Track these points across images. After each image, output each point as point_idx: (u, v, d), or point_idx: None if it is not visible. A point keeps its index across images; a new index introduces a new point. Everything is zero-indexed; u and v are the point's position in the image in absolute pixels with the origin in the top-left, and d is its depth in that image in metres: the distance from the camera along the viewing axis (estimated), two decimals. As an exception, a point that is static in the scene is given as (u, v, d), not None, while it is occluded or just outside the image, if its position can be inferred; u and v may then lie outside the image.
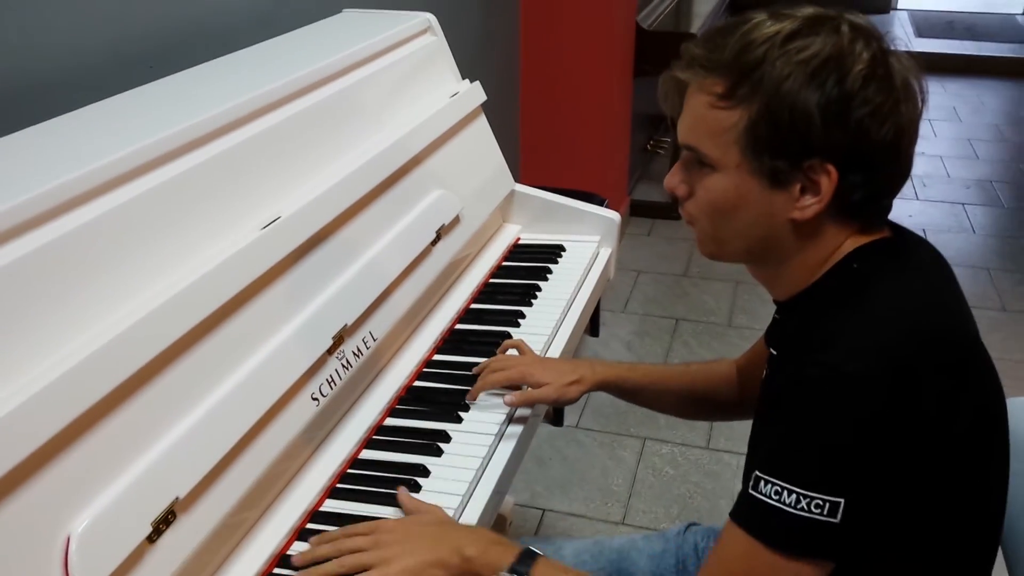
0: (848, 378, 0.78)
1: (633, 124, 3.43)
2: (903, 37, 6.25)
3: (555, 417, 2.44)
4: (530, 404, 1.20)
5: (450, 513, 1.01)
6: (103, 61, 1.25)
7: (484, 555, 0.91)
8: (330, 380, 1.11)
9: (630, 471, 2.29)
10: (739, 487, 0.86)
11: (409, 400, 1.23)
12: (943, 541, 0.87)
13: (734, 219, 0.88)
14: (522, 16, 2.98)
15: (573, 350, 1.47)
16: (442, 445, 1.12)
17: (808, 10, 0.85)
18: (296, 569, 0.94)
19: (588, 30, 2.98)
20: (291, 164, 1.19)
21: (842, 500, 0.77)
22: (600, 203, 1.86)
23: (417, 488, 1.05)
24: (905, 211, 3.66)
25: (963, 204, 3.76)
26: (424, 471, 1.08)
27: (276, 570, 0.96)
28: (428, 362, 1.31)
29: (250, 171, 1.12)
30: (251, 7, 1.56)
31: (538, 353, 1.32)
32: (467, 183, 1.54)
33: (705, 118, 0.86)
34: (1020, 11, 6.81)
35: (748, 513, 0.82)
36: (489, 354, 1.31)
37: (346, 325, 1.15)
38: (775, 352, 0.97)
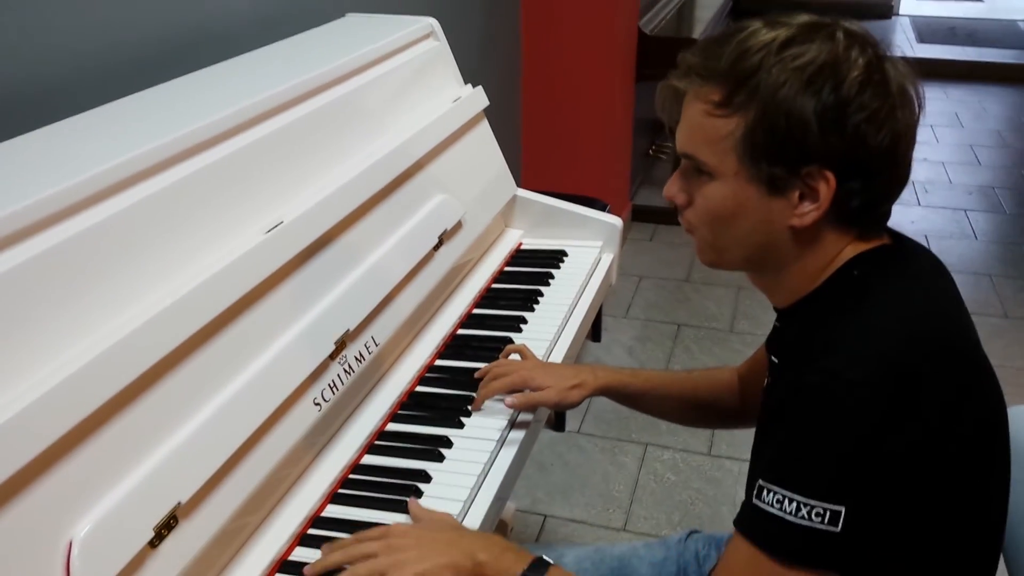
0: (849, 385, 0.78)
1: (635, 129, 3.44)
2: (905, 43, 6.26)
3: (557, 422, 2.44)
4: (531, 407, 1.20)
5: (449, 514, 1.01)
6: (106, 65, 1.26)
7: (496, 561, 0.90)
8: (332, 385, 1.11)
9: (632, 477, 2.29)
10: (741, 494, 0.86)
11: (411, 405, 1.23)
12: (944, 550, 0.87)
13: (733, 227, 0.88)
14: (524, 21, 2.98)
15: (575, 355, 1.47)
16: (444, 451, 1.12)
17: (804, 18, 0.85)
18: None
19: (590, 35, 2.99)
20: (294, 168, 1.20)
21: (843, 508, 0.77)
22: (602, 208, 1.86)
23: (419, 494, 1.05)
24: (907, 217, 3.66)
25: (965, 210, 3.76)
26: (426, 477, 1.08)
27: (278, 575, 0.96)
28: (430, 367, 1.31)
29: (253, 175, 1.12)
30: (254, 11, 1.56)
31: (540, 359, 1.31)
32: (469, 188, 1.54)
33: (702, 126, 0.86)
34: (1022, 17, 6.81)
35: (751, 522, 0.82)
36: (491, 359, 1.31)
37: (348, 330, 1.15)
38: (776, 360, 0.97)
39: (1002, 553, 0.97)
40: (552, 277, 1.55)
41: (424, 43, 1.58)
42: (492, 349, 1.34)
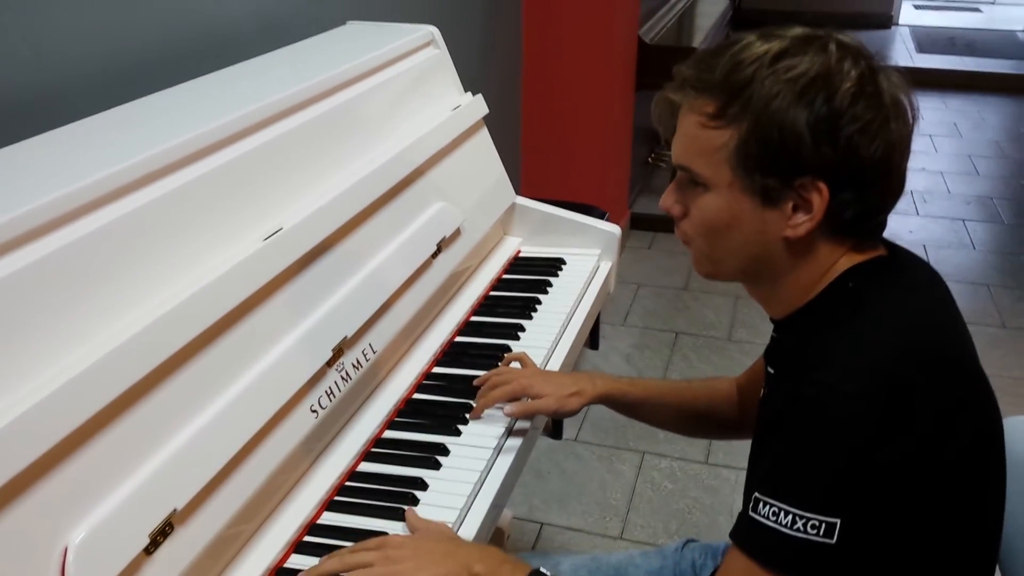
0: (843, 397, 0.78)
1: (634, 137, 3.44)
2: (904, 53, 6.28)
3: (554, 430, 2.44)
4: (530, 415, 1.20)
5: (446, 524, 1.01)
6: (108, 71, 1.26)
7: (493, 573, 0.90)
8: (329, 392, 1.11)
9: (629, 485, 2.28)
10: (738, 502, 0.86)
11: (408, 413, 1.23)
12: (940, 561, 0.87)
13: (728, 238, 0.89)
14: (524, 29, 2.99)
15: (573, 363, 1.47)
16: (440, 458, 1.12)
17: (797, 30, 0.86)
18: None
19: (590, 43, 2.99)
20: (294, 175, 1.20)
21: (838, 520, 0.78)
22: (601, 216, 1.87)
23: (415, 502, 1.05)
24: (905, 227, 3.66)
25: (963, 220, 3.77)
26: (422, 484, 1.08)
27: (273, 582, 0.96)
28: (428, 374, 1.31)
29: (253, 182, 1.12)
30: (255, 19, 1.56)
31: (538, 366, 1.32)
32: (468, 196, 1.54)
33: (697, 138, 0.87)
34: (1021, 28, 6.84)
35: (747, 534, 0.83)
36: (489, 367, 1.31)
37: (346, 337, 1.15)
38: (772, 371, 0.98)
39: (998, 564, 0.97)
40: (550, 285, 1.55)
41: (424, 51, 1.59)
42: (490, 357, 1.34)
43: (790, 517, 0.79)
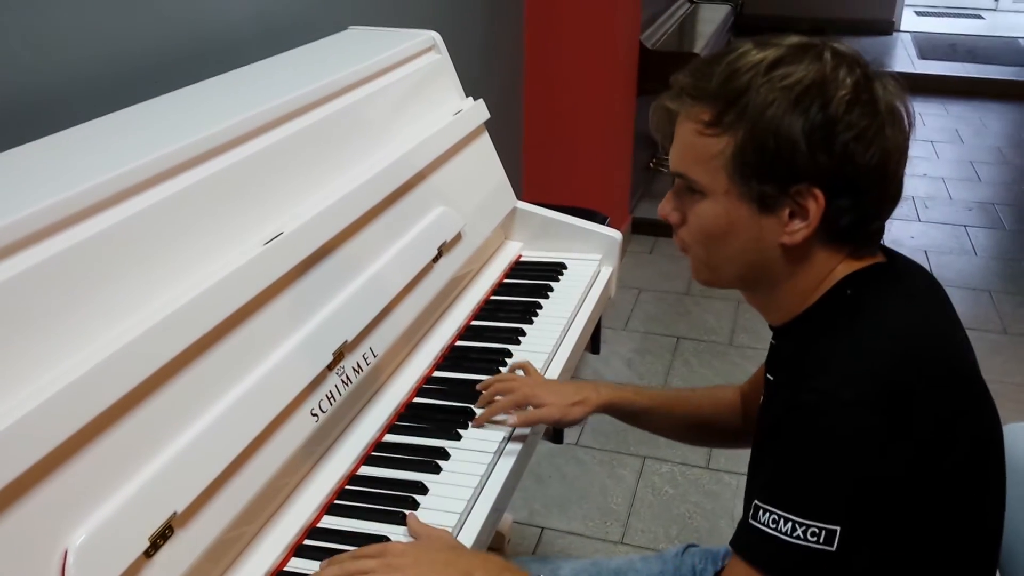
0: (842, 404, 0.78)
1: (636, 142, 3.45)
2: (906, 59, 6.28)
3: (555, 435, 2.44)
4: (534, 424, 1.20)
5: (447, 530, 1.01)
6: (108, 76, 1.26)
7: None
8: (330, 396, 1.11)
9: (629, 490, 2.28)
10: (739, 507, 0.86)
11: (408, 417, 1.23)
12: (940, 567, 0.87)
13: (725, 245, 0.89)
14: (526, 34, 3.00)
15: (573, 368, 1.47)
16: (440, 462, 1.12)
17: (793, 39, 0.87)
18: None
19: (592, 49, 3.00)
20: (295, 180, 1.20)
21: (838, 528, 0.78)
22: (602, 221, 1.87)
23: (415, 506, 1.05)
24: (907, 232, 3.66)
25: (965, 226, 3.77)
26: (423, 488, 1.08)
27: (273, 586, 0.96)
28: (428, 379, 1.31)
29: (254, 187, 1.13)
30: (257, 24, 1.57)
31: (539, 370, 1.32)
32: (469, 200, 1.54)
33: (694, 145, 0.87)
34: (1022, 34, 6.84)
35: (747, 542, 0.83)
36: (489, 371, 1.31)
37: (346, 341, 1.15)
38: (771, 378, 0.98)
39: (998, 569, 0.97)
40: (551, 290, 1.56)
41: (426, 56, 1.59)
42: (491, 361, 1.35)
43: (790, 525, 0.79)
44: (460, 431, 1.18)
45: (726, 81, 0.84)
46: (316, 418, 1.08)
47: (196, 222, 1.02)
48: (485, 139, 1.66)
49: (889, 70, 0.88)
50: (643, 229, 3.68)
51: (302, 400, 1.06)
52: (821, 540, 0.78)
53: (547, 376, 1.34)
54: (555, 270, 1.62)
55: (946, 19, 7.45)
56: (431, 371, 1.33)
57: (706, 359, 2.84)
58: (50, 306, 0.83)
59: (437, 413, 1.23)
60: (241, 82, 1.34)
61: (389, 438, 1.19)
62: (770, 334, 1.03)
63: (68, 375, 0.80)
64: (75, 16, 1.19)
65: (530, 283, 1.58)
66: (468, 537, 1.03)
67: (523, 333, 1.42)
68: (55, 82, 1.18)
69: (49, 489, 0.77)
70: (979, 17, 7.59)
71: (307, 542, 1.01)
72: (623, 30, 3.06)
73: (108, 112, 1.16)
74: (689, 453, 2.38)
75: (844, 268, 0.88)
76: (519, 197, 1.72)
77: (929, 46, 6.57)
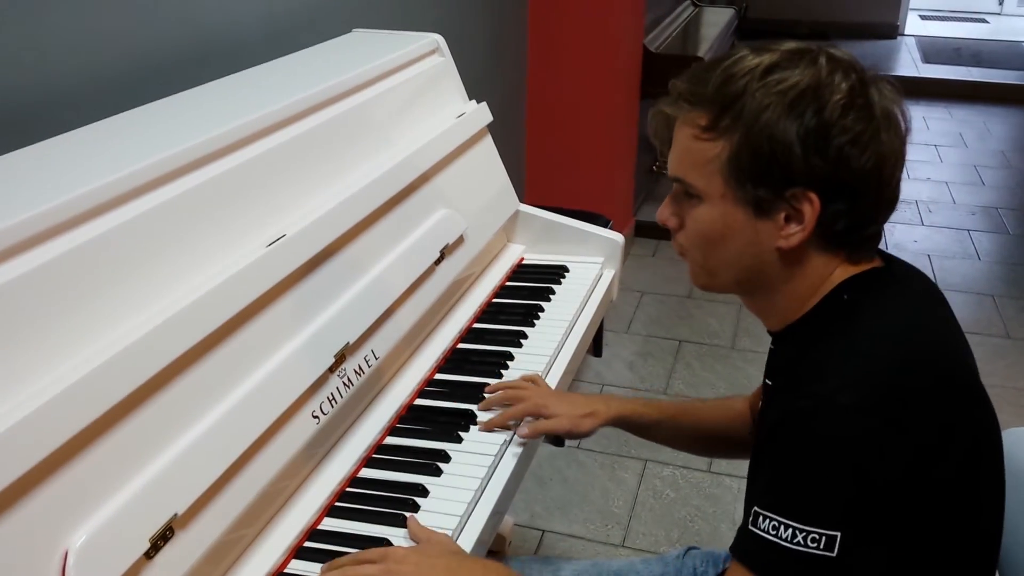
0: (839, 410, 0.79)
1: (639, 145, 3.45)
2: (910, 63, 6.28)
3: (556, 437, 2.44)
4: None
5: (448, 533, 1.01)
6: (113, 78, 1.27)
7: None
8: (331, 398, 1.11)
9: (631, 493, 2.28)
10: (740, 511, 0.86)
11: (410, 419, 1.23)
12: (940, 571, 0.87)
13: (722, 249, 0.90)
14: (529, 37, 3.00)
15: (575, 371, 1.47)
16: (441, 465, 1.12)
17: (789, 44, 0.87)
18: None
19: (595, 52, 3.00)
20: (298, 182, 1.20)
21: (838, 534, 0.78)
22: (604, 224, 1.87)
23: (416, 508, 1.05)
24: (910, 236, 3.66)
25: (968, 230, 3.76)
26: (423, 491, 1.08)
27: (273, 588, 0.96)
28: (430, 381, 1.32)
29: (256, 189, 1.13)
30: (261, 26, 1.57)
31: (540, 373, 1.32)
32: (472, 203, 1.54)
33: (690, 150, 0.88)
34: (1027, 39, 6.84)
35: (747, 549, 0.83)
36: (491, 374, 1.31)
37: (348, 343, 1.15)
38: (770, 383, 0.98)
39: (998, 572, 0.97)
40: (553, 293, 1.56)
41: (429, 59, 1.59)
42: (492, 364, 1.35)
43: (790, 531, 0.79)
44: (461, 434, 1.18)
45: (722, 86, 0.85)
46: (317, 420, 1.08)
47: (199, 224, 1.03)
48: (488, 142, 1.66)
49: (886, 75, 0.88)
50: (646, 232, 3.68)
51: (303, 402, 1.06)
52: (821, 546, 0.78)
53: (548, 379, 1.34)
54: (557, 273, 1.62)
55: (950, 23, 7.45)
56: (432, 373, 1.33)
57: (708, 363, 2.84)
58: (53, 308, 0.84)
59: (438, 415, 1.24)
60: (245, 85, 1.34)
61: (390, 440, 1.19)
62: (772, 338, 1.03)
63: (69, 376, 0.80)
64: (80, 19, 1.19)
65: (532, 286, 1.58)
66: (469, 539, 1.03)
67: (525, 336, 1.43)
68: (60, 84, 1.18)
69: (50, 490, 0.77)
70: (983, 21, 7.58)
71: (308, 544, 1.01)
72: (626, 33, 3.06)
73: (113, 114, 1.16)
74: (690, 457, 2.37)
75: (841, 273, 0.89)
76: (522, 200, 1.73)
77: (933, 50, 6.56)
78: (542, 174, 3.16)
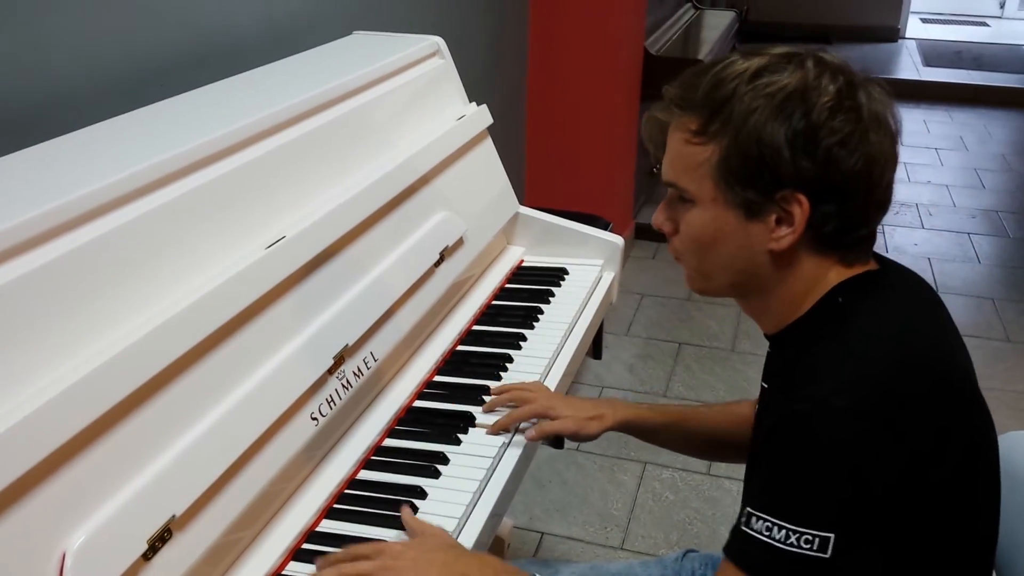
0: (834, 412, 0.79)
1: (639, 148, 3.45)
2: (911, 66, 6.28)
3: (555, 439, 2.44)
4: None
5: (444, 528, 1.01)
6: (113, 79, 1.27)
7: None
8: (330, 400, 1.11)
9: (630, 495, 2.28)
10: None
11: (408, 421, 1.23)
12: (935, 574, 0.87)
13: (715, 252, 0.90)
14: (530, 39, 3.00)
15: (574, 373, 1.47)
16: (440, 467, 1.12)
17: (779, 49, 0.88)
18: None
19: (596, 54, 3.00)
20: (298, 184, 1.20)
21: (832, 535, 0.78)
22: (604, 226, 1.87)
23: (415, 510, 1.05)
24: (910, 240, 3.66)
25: (969, 234, 3.76)
26: (422, 493, 1.08)
27: (271, 589, 0.96)
28: (429, 383, 1.32)
29: (256, 190, 1.13)
30: (262, 29, 1.57)
31: (538, 377, 1.32)
32: (471, 205, 1.55)
33: (682, 154, 0.89)
34: (1028, 42, 6.84)
35: (740, 549, 0.83)
36: (490, 376, 1.31)
37: (347, 345, 1.15)
38: (766, 386, 0.98)
39: (994, 574, 0.97)
40: (553, 295, 1.56)
41: (429, 61, 1.59)
42: (491, 366, 1.35)
43: (784, 532, 0.79)
44: (460, 436, 1.18)
45: (712, 90, 0.86)
46: (316, 422, 1.08)
47: (199, 225, 1.03)
48: (488, 144, 1.66)
49: (878, 78, 0.89)
50: (646, 234, 3.68)
51: (302, 404, 1.06)
52: (815, 547, 0.78)
53: (547, 382, 1.34)
54: (557, 275, 1.62)
55: (951, 26, 7.45)
56: (432, 375, 1.33)
57: (708, 365, 2.84)
58: (53, 309, 0.84)
59: (437, 417, 1.24)
60: (245, 87, 1.34)
61: (389, 442, 1.19)
62: (772, 341, 1.03)
63: (68, 377, 0.80)
64: (81, 21, 1.20)
65: (532, 288, 1.58)
66: (467, 541, 1.03)
67: (524, 338, 1.43)
68: (61, 86, 1.19)
69: (48, 491, 0.77)
70: (984, 24, 7.59)
71: (306, 546, 1.01)
72: (627, 36, 3.06)
73: (114, 115, 1.16)
74: (690, 460, 2.37)
75: (835, 276, 0.89)
76: (521, 202, 1.73)
77: (934, 53, 6.57)
78: (542, 176, 3.17)
